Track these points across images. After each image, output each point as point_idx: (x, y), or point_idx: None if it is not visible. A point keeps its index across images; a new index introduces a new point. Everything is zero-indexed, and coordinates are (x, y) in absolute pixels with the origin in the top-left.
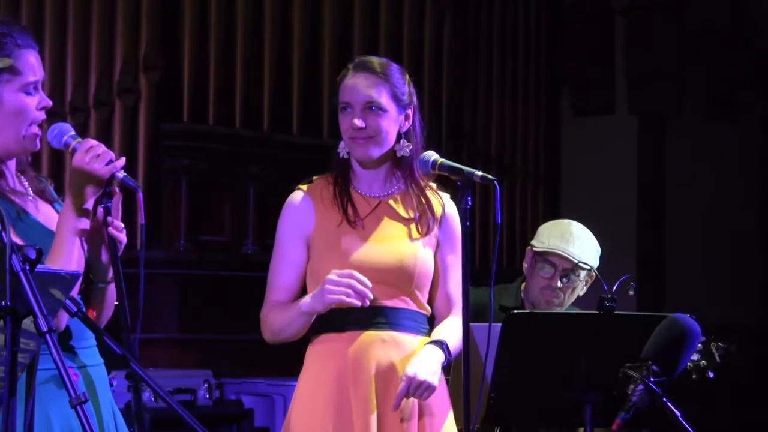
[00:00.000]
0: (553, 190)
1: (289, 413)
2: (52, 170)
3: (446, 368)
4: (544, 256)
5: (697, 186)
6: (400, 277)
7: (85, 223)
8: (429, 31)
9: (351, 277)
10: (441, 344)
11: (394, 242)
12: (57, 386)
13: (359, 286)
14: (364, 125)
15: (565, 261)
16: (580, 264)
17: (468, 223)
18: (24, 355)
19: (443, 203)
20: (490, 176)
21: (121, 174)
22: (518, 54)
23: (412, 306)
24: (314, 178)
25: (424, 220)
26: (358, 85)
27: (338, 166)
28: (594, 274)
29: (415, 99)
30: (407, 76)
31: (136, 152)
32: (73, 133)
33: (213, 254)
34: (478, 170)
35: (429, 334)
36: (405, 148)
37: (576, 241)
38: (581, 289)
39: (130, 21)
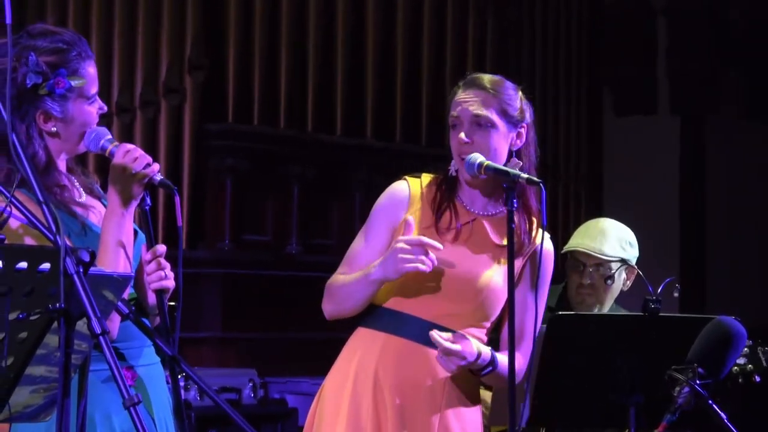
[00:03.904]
0: (595, 190)
1: (319, 392)
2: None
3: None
4: (570, 256)
5: (740, 185)
6: (463, 297)
7: (129, 227)
8: (472, 33)
9: (421, 244)
10: (493, 355)
11: (472, 261)
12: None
13: (430, 255)
14: (470, 140)
15: (587, 257)
16: (603, 257)
17: (513, 225)
18: (76, 357)
19: (539, 239)
20: (535, 178)
21: (159, 177)
22: (560, 54)
23: (465, 329)
24: (424, 174)
25: (516, 251)
26: (466, 100)
27: (445, 176)
28: (634, 268)
29: (528, 117)
30: (521, 93)
31: (180, 152)
32: (110, 136)
33: (256, 254)
34: (524, 172)
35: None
36: (514, 167)
37: (599, 236)
38: (623, 285)
39: (176, 22)
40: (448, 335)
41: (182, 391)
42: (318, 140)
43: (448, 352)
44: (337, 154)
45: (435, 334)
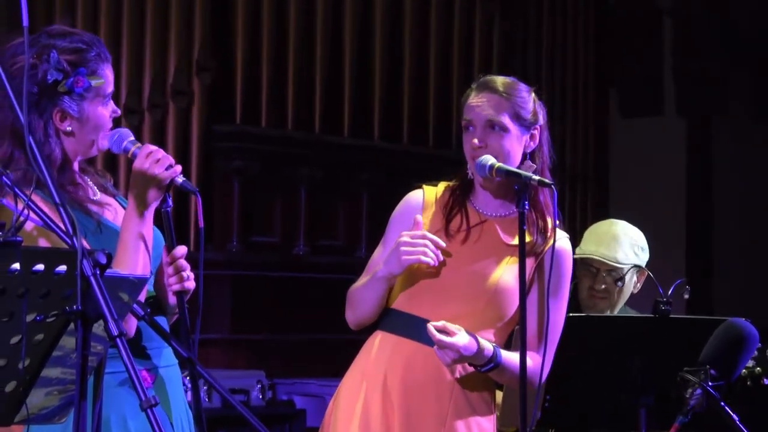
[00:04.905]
0: (601, 191)
1: (336, 393)
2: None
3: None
4: (582, 262)
5: (746, 187)
6: (473, 297)
7: (149, 228)
8: (479, 33)
9: (424, 237)
10: (496, 351)
11: (482, 261)
12: (132, 388)
13: (433, 247)
14: (482, 144)
15: (601, 263)
16: (617, 265)
17: (524, 227)
18: (92, 358)
19: (554, 239)
20: (547, 180)
21: (180, 179)
22: (566, 55)
23: (477, 331)
24: (442, 182)
25: (529, 250)
26: (479, 104)
27: (462, 180)
28: (645, 271)
29: (541, 118)
30: (534, 95)
31: (188, 154)
32: (132, 138)
33: (265, 255)
34: (537, 174)
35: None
36: (528, 170)
37: (612, 243)
38: (633, 288)
39: (183, 24)
40: (441, 324)
41: (191, 393)
42: (326, 142)
43: (442, 345)
44: (344, 155)
45: (430, 326)
